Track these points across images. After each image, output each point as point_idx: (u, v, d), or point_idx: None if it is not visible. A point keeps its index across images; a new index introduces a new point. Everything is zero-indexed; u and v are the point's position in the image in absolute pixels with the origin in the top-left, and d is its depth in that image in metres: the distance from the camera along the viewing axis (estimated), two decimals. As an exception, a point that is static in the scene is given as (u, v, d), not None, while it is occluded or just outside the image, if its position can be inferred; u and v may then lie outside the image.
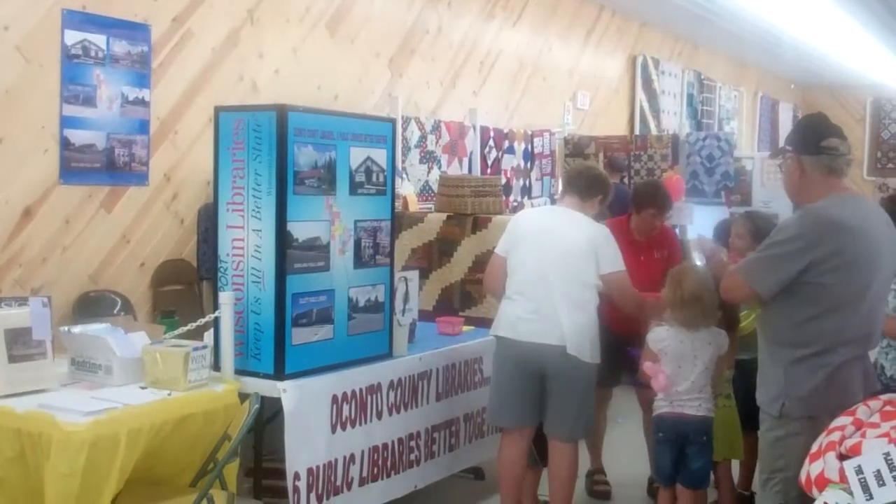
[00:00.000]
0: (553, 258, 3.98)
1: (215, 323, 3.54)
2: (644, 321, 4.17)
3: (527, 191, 8.30)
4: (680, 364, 3.85)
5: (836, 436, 2.50)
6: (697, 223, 8.63)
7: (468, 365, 4.55)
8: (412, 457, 4.17)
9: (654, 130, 10.71)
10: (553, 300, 3.95)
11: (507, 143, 7.96)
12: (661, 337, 3.90)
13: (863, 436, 2.44)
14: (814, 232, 2.90)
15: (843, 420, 2.58)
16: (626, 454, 5.25)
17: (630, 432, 5.34)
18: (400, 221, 5.39)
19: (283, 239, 3.48)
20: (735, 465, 4.42)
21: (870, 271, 2.95)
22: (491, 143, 7.74)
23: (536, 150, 8.42)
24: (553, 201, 8.54)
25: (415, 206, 6.15)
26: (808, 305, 2.92)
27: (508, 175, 8.07)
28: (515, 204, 8.00)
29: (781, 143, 3.37)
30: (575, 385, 3.97)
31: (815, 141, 3.03)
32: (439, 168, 7.02)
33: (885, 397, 2.71)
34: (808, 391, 2.92)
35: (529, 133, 8.30)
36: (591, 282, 3.98)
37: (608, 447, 5.12)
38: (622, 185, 8.82)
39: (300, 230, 3.53)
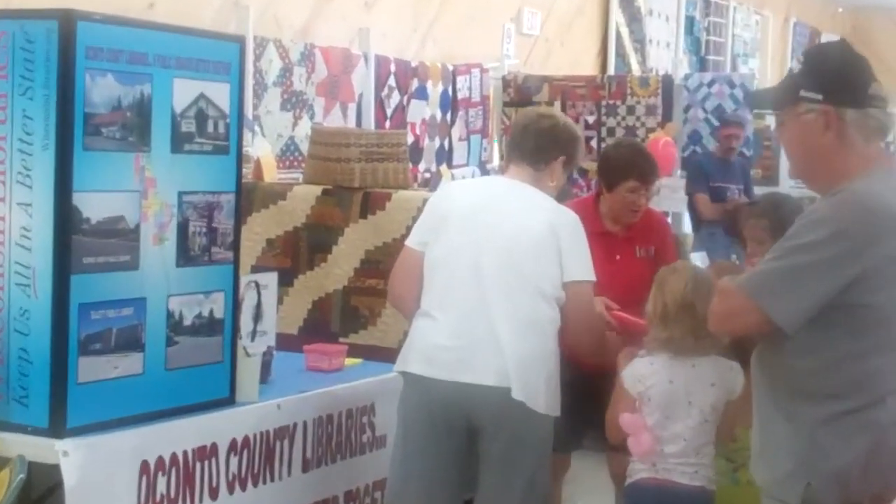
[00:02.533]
0: (493, 255, 4.04)
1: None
2: (607, 363, 4.25)
3: (445, 155, 8.34)
4: (668, 413, 3.92)
5: None
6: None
7: (353, 417, 4.53)
8: (265, 557, 4.14)
9: (636, 70, 10.90)
10: (491, 318, 4.00)
11: (415, 84, 8.00)
12: (643, 373, 3.97)
13: None
14: (862, 228, 2.91)
15: None
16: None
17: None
18: (250, 197, 5.36)
19: (66, 219, 3.40)
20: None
21: None
22: (392, 82, 7.78)
23: (461, 96, 8.47)
24: (485, 172, 8.60)
25: (273, 174, 6.13)
26: (848, 338, 2.95)
27: (418, 131, 8.14)
28: (428, 175, 8.03)
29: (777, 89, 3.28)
30: (522, 448, 4.00)
31: (861, 85, 3.04)
32: (311, 118, 7.01)
33: None
34: (845, 465, 2.94)
35: (450, 69, 8.35)
36: (550, 290, 4.04)
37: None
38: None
39: (93, 205, 3.46)
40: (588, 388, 4.67)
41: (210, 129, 3.84)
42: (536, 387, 3.98)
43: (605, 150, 5.57)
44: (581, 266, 4.09)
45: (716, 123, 9.03)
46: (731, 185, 8.81)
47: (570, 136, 4.32)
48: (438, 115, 8.31)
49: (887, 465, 2.94)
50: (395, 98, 7.85)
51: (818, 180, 3.12)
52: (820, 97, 3.03)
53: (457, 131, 8.49)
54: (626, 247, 5.01)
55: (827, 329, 2.95)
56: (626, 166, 4.94)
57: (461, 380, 3.97)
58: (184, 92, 3.73)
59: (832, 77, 3.05)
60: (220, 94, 3.85)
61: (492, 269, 4.03)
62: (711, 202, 8.67)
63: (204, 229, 3.84)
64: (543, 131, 4.25)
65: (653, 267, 4.77)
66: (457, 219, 4.12)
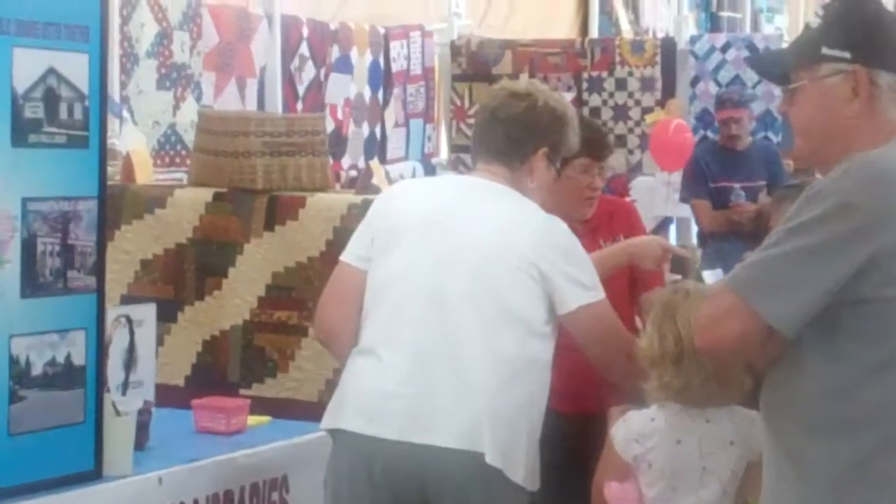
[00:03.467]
0: (462, 277, 4.03)
1: None
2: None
3: (377, 147, 8.36)
4: (676, 483, 3.94)
5: None
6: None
7: (259, 494, 4.50)
8: None
9: (627, 32, 10.97)
10: (459, 357, 3.98)
11: (336, 53, 8.02)
12: (641, 431, 3.98)
13: None
14: (875, 198, 2.90)
15: None
16: None
17: None
18: (118, 204, 5.35)
19: None
20: None
21: None
22: (304, 50, 7.79)
23: (396, 68, 8.51)
24: (430, 168, 8.63)
25: (148, 174, 6.14)
26: (868, 346, 2.93)
27: (340, 115, 8.17)
28: (354, 173, 8.00)
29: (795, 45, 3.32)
30: None
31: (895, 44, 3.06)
32: (198, 101, 7.00)
33: None
34: None
35: (381, 32, 8.38)
36: (539, 324, 4.05)
37: None
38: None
39: None
40: (572, 443, 4.70)
41: (63, 114, 3.79)
42: (516, 451, 3.97)
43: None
44: (586, 286, 4.10)
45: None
46: (737, 182, 8.74)
47: (553, 119, 4.30)
48: (367, 93, 8.36)
49: None
50: (310, 72, 7.86)
51: (831, 162, 3.09)
52: (848, 55, 3.05)
53: (391, 115, 8.49)
54: (589, 241, 4.95)
55: (837, 336, 2.93)
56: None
57: (415, 440, 3.95)
58: (27, 65, 3.70)
59: (863, 31, 3.07)
60: (75, 68, 3.81)
61: (460, 294, 4.02)
62: (714, 208, 8.66)
63: (57, 248, 3.80)
64: (516, 118, 4.25)
65: (626, 282, 4.82)
66: (411, 229, 4.10)
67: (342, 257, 4.23)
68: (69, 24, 3.83)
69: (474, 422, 3.91)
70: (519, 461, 3.96)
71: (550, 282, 4.04)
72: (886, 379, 2.90)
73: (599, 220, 5.06)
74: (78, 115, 3.84)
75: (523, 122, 4.23)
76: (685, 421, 3.96)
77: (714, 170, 8.76)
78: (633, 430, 3.97)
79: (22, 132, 3.68)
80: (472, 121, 8.20)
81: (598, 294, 4.10)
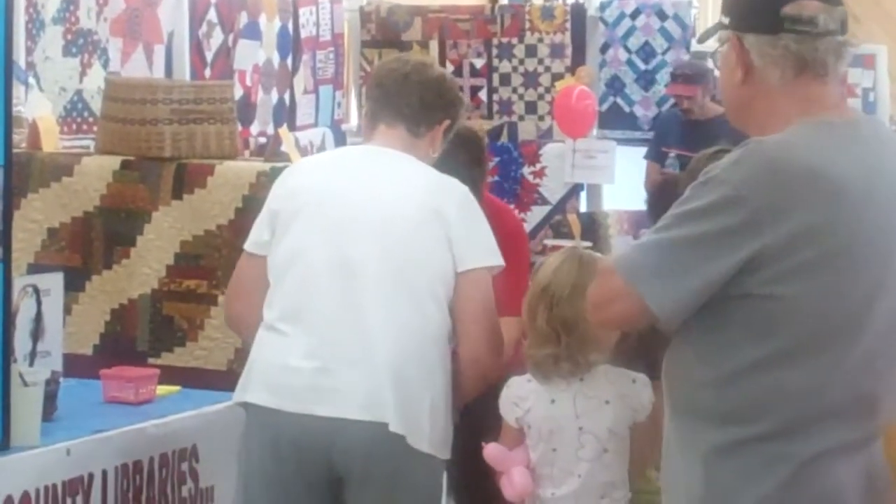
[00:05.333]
0: (365, 246, 4.08)
1: None
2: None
3: (286, 113, 8.35)
4: (555, 443, 3.98)
5: None
6: (621, 180, 8.93)
7: (169, 464, 4.54)
8: None
9: (537, -4, 10.99)
10: (363, 328, 4.05)
11: (244, 19, 8.00)
12: (520, 393, 4.03)
13: None
14: (765, 192, 2.89)
15: None
16: None
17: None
18: (24, 172, 5.38)
19: None
20: None
21: (876, 274, 2.95)
22: (212, 16, 7.76)
23: (305, 34, 8.49)
24: (340, 135, 8.63)
25: (55, 141, 6.07)
26: (751, 342, 2.93)
27: (248, 82, 8.10)
28: (263, 139, 7.98)
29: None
30: (403, 499, 4.08)
31: (770, 4, 3.00)
32: (105, 67, 6.95)
33: None
34: None
35: (290, -1, 8.36)
36: (442, 289, 4.10)
37: None
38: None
39: None
40: (473, 420, 4.70)
41: (-37, 85, 3.82)
42: (420, 419, 4.03)
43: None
44: (478, 249, 4.15)
45: (642, 67, 9.16)
46: (688, 152, 8.73)
47: (457, 96, 4.39)
48: (276, 59, 8.30)
49: None
50: (218, 38, 7.83)
51: (746, 127, 3.12)
52: (727, 21, 3.08)
53: (301, 81, 8.49)
54: None
55: (723, 328, 2.95)
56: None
57: (319, 413, 4.00)
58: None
59: None
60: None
61: (365, 264, 4.07)
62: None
63: (-39, 218, 3.83)
64: (430, 84, 4.28)
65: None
66: (309, 205, 4.15)
67: (245, 246, 4.30)
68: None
69: (377, 392, 3.98)
70: (423, 429, 4.02)
71: (452, 229, 4.10)
72: (767, 376, 2.92)
73: None
74: None
75: (438, 89, 4.28)
76: (558, 381, 3.99)
77: (673, 137, 8.85)
78: (512, 393, 4.04)
79: None
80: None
81: (498, 259, 4.15)
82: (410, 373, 4.03)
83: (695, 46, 9.15)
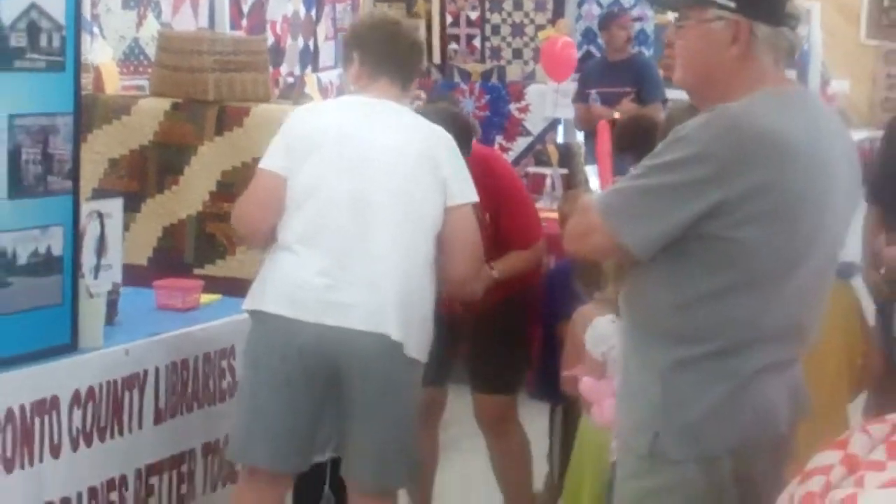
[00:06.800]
0: (378, 182, 4.10)
1: None
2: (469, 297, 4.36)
3: (310, 57, 8.32)
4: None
5: (816, 483, 2.45)
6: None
7: (211, 361, 4.58)
8: (113, 517, 4.11)
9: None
10: (371, 253, 4.06)
11: (275, -25, 7.95)
12: (607, 332, 4.01)
13: (859, 484, 2.40)
14: (726, 152, 2.88)
15: (827, 457, 2.53)
16: (472, 499, 5.48)
17: (476, 466, 5.58)
18: (90, 112, 5.34)
19: None
20: None
21: (814, 223, 2.99)
22: (248, -27, 7.72)
23: (327, -12, 8.46)
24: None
25: (115, 83, 6.09)
26: (706, 275, 2.94)
27: (278, 31, 8.09)
28: (291, 80, 8.00)
29: None
30: (397, 398, 4.13)
31: (780, 2, 3.03)
32: (158, 18, 6.94)
33: (893, 418, 2.66)
34: (699, 415, 2.96)
35: (314, -43, 8.33)
36: (431, 222, 4.14)
37: (444, 490, 5.31)
38: None
39: None
40: (456, 324, 4.93)
41: (43, 43, 3.81)
42: (412, 331, 4.08)
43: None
44: (464, 187, 4.17)
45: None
46: (614, 89, 8.84)
47: (422, 46, 4.46)
48: (302, 11, 8.27)
49: (747, 419, 2.98)
50: (253, -6, 7.79)
51: (708, 97, 3.08)
52: (733, 5, 3.01)
53: (322, 30, 8.46)
54: None
55: (685, 262, 2.96)
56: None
57: (329, 323, 4.02)
58: (12, 1, 3.71)
59: None
60: (54, 2, 3.83)
61: (374, 198, 4.07)
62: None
63: (38, 157, 3.84)
64: (417, 45, 4.33)
65: (491, 238, 4.82)
66: (326, 142, 4.11)
67: (261, 165, 4.22)
68: (48, -34, 3.82)
69: (380, 308, 4.03)
70: (413, 339, 4.11)
71: (444, 170, 4.17)
72: (720, 303, 2.96)
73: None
74: (56, 43, 3.89)
75: (420, 50, 4.34)
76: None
77: (594, 79, 8.81)
78: (598, 332, 4.04)
79: (8, 59, 3.74)
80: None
81: (474, 196, 4.25)
82: (409, 292, 4.07)
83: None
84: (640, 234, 2.95)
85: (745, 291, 2.95)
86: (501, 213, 5.00)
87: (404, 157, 4.10)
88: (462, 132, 4.79)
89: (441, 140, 4.19)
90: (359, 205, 4.05)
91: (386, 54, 4.28)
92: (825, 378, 3.92)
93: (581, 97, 8.68)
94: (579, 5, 9.02)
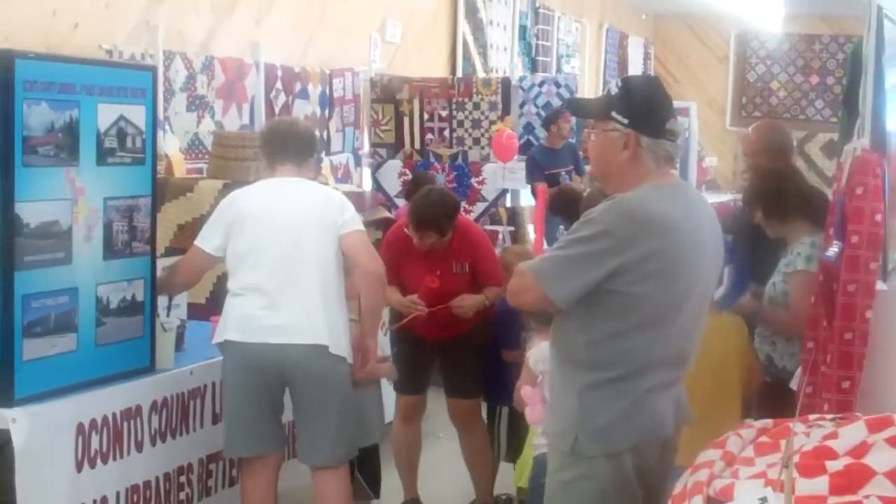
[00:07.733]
0: (293, 235, 4.15)
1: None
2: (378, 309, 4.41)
3: (324, 145, 8.35)
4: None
5: (703, 474, 2.43)
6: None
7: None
8: (182, 495, 4.23)
9: (480, 70, 10.96)
10: (298, 290, 4.12)
11: (299, 86, 7.92)
12: (546, 356, 4.00)
13: (734, 475, 2.40)
14: (622, 230, 2.92)
15: (711, 454, 2.54)
16: (447, 476, 5.47)
17: (450, 450, 5.55)
18: (162, 190, 5.37)
19: (9, 225, 3.44)
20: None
21: (690, 279, 3.01)
22: (279, 85, 7.67)
23: (336, 95, 8.43)
24: (357, 157, 8.65)
25: (182, 169, 6.09)
26: (611, 319, 2.96)
27: (301, 126, 8.05)
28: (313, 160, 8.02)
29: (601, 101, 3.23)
30: (333, 390, 4.17)
31: (660, 120, 3.04)
32: (212, 117, 6.94)
33: (758, 424, 2.69)
34: (607, 422, 2.98)
35: (327, 73, 8.30)
36: (334, 257, 4.22)
37: (426, 470, 5.31)
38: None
39: (32, 212, 3.50)
40: (429, 347, 5.02)
41: (129, 144, 3.90)
42: (333, 334, 4.15)
43: (415, 198, 5.13)
44: (352, 222, 4.27)
45: (544, 116, 9.17)
46: (562, 169, 8.92)
47: (315, 137, 4.58)
48: (318, 111, 8.28)
49: (644, 423, 3.00)
50: (282, 98, 7.76)
51: (611, 185, 3.13)
52: (626, 122, 3.03)
53: (334, 124, 8.43)
54: (444, 263, 4.97)
55: (595, 310, 2.97)
56: (426, 220, 4.89)
57: (272, 342, 4.09)
58: (106, 114, 3.79)
59: (639, 108, 3.04)
60: (137, 114, 3.93)
61: (297, 251, 4.13)
62: (549, 187, 8.68)
63: (125, 228, 3.90)
64: (305, 136, 4.43)
65: (469, 280, 4.88)
66: (254, 216, 4.18)
67: (197, 243, 4.29)
68: (133, 87, 3.93)
69: (309, 325, 4.12)
70: (336, 341, 4.16)
71: (335, 218, 4.21)
72: (621, 340, 2.99)
73: (454, 246, 4.97)
74: (138, 144, 3.97)
75: (306, 136, 4.46)
76: None
77: (545, 162, 8.85)
78: (540, 353, 3.98)
79: (103, 157, 3.81)
80: (385, 128, 8.31)
81: (361, 226, 4.32)
82: (330, 310, 4.15)
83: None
84: (563, 291, 2.98)
85: (639, 331, 2.99)
86: (478, 261, 5.03)
87: (306, 216, 4.20)
88: (454, 204, 4.95)
89: (331, 198, 4.31)
90: (283, 257, 4.15)
91: (282, 146, 4.37)
92: (723, 391, 3.93)
93: (535, 178, 8.55)
94: (521, 106, 9.07)
